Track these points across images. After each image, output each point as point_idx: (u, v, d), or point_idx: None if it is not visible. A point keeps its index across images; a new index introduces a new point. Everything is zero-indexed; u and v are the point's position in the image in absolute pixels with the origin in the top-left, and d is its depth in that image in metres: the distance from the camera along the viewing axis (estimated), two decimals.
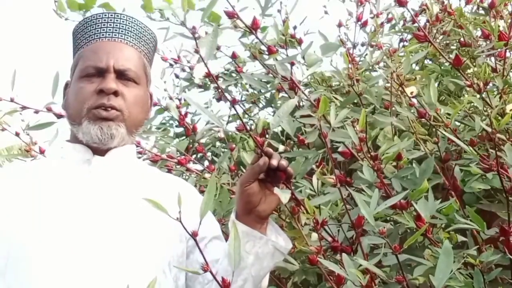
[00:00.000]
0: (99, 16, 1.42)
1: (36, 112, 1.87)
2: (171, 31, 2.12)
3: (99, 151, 1.34)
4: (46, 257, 1.21)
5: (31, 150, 1.98)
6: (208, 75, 1.19)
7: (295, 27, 2.06)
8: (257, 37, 1.55)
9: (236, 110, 1.24)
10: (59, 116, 1.81)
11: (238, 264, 1.03)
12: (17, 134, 1.98)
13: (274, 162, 1.24)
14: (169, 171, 1.84)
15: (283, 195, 1.23)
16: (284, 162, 1.25)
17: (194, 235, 1.05)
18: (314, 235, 1.43)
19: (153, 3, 2.32)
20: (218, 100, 2.45)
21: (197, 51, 1.17)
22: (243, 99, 2.50)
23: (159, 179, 1.42)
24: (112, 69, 1.34)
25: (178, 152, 1.92)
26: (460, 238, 1.42)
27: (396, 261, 1.28)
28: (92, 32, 1.40)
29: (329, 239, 1.43)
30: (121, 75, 1.34)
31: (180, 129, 2.59)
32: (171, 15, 2.30)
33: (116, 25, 1.40)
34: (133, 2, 2.30)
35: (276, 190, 1.24)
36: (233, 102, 1.23)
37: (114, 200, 1.30)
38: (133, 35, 1.41)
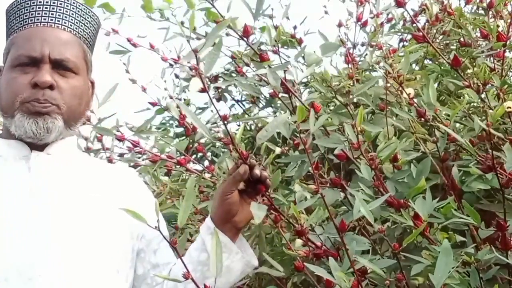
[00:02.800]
0: None
1: None
2: (171, 31, 2.13)
3: (36, 146, 1.25)
4: None
5: None
6: (203, 90, 1.17)
7: (295, 27, 2.06)
8: (249, 45, 1.55)
9: (226, 128, 1.23)
10: None
11: (220, 271, 1.00)
12: None
13: (258, 171, 1.23)
14: (169, 171, 1.84)
15: (257, 213, 1.21)
16: (265, 173, 1.24)
17: (173, 244, 1.03)
18: (298, 241, 1.43)
19: (153, 3, 2.32)
20: (218, 100, 2.45)
21: (196, 68, 1.14)
22: (243, 99, 2.50)
23: (104, 171, 1.35)
24: (47, 59, 1.23)
25: (178, 152, 1.92)
26: (459, 238, 1.42)
27: (385, 266, 1.28)
28: (26, 16, 1.28)
29: (316, 244, 1.42)
30: (57, 65, 1.24)
31: (180, 129, 2.60)
32: (171, 15, 2.30)
33: (53, 8, 1.28)
34: (133, 2, 2.30)
35: (252, 206, 1.22)
36: (224, 119, 1.22)
37: (59, 198, 1.22)
38: (71, 19, 1.29)
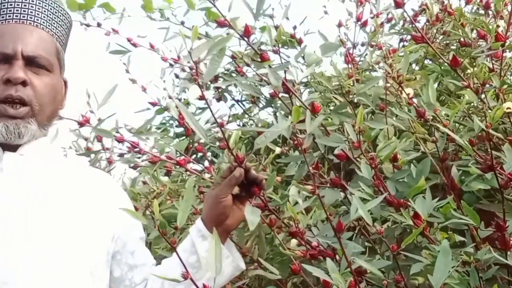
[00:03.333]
0: None
1: None
2: (171, 31, 2.13)
3: (9, 147, 1.23)
4: None
5: None
6: (202, 98, 1.17)
7: (295, 27, 2.06)
8: (249, 44, 1.54)
9: (223, 134, 1.23)
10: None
11: (219, 272, 0.99)
12: None
13: (254, 172, 1.23)
14: (169, 171, 1.84)
15: (251, 219, 1.21)
16: (261, 175, 1.24)
17: (172, 244, 1.03)
18: (293, 241, 1.43)
19: (153, 3, 2.32)
20: (218, 100, 2.45)
21: (196, 79, 1.15)
22: (243, 99, 2.50)
23: (79, 172, 1.33)
24: (20, 55, 1.21)
25: (177, 153, 1.92)
26: (458, 238, 1.42)
27: (383, 266, 1.28)
28: None
29: (311, 245, 1.42)
30: (30, 62, 1.22)
31: (180, 129, 2.59)
32: (171, 15, 2.31)
33: (25, 5, 1.25)
34: (133, 2, 2.30)
35: (246, 210, 1.22)
36: (221, 126, 1.23)
37: (33, 199, 1.20)
38: (44, 17, 1.27)
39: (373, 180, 1.40)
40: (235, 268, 1.30)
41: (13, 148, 1.24)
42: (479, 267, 1.28)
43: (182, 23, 2.33)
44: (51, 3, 1.30)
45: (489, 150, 1.36)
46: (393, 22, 2.21)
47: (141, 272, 1.31)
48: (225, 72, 2.38)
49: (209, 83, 2.38)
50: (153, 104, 2.29)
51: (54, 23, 1.29)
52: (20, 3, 1.26)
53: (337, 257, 1.36)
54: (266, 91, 2.26)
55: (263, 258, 1.63)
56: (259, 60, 1.53)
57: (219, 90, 2.43)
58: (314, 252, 1.39)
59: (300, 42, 2.02)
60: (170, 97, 2.32)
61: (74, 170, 1.34)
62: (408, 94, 1.51)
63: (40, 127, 1.24)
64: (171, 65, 2.31)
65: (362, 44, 2.23)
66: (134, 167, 1.89)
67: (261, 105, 2.49)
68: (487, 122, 1.33)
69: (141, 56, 2.27)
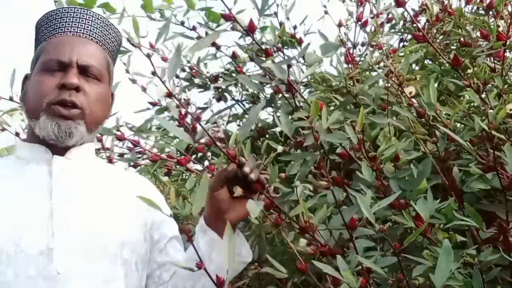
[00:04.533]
0: (65, 10, 1.37)
1: None
2: (171, 31, 2.12)
3: (58, 150, 1.31)
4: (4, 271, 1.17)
5: None
6: (169, 95, 1.20)
7: (295, 27, 2.05)
8: (254, 40, 1.55)
9: (203, 127, 1.25)
10: None
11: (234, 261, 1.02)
12: (17, 134, 1.97)
13: (247, 169, 1.21)
14: (169, 171, 1.84)
15: (253, 209, 1.19)
16: (254, 175, 1.21)
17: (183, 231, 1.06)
18: (302, 241, 1.43)
19: (153, 3, 2.32)
20: (218, 100, 2.45)
21: (153, 73, 1.19)
22: (243, 99, 2.49)
23: (121, 178, 1.40)
24: (75, 64, 1.30)
25: (178, 152, 1.92)
26: (460, 238, 1.42)
27: (388, 264, 1.28)
28: (56, 26, 1.36)
29: (321, 243, 1.42)
30: (84, 71, 1.31)
31: (180, 129, 2.58)
32: (172, 15, 2.30)
33: (82, 21, 1.37)
34: (133, 2, 2.30)
35: (248, 202, 1.21)
36: (197, 120, 1.26)
37: (80, 202, 1.27)
38: (98, 32, 1.37)
39: (374, 180, 1.40)
40: (238, 262, 1.31)
41: (61, 152, 1.31)
42: (481, 268, 1.28)
43: (182, 23, 2.33)
44: (105, 20, 1.40)
45: (490, 150, 1.36)
46: (393, 22, 2.21)
47: (170, 269, 1.35)
48: (225, 72, 2.38)
49: (209, 83, 2.38)
50: (153, 104, 2.28)
51: (106, 39, 1.39)
52: (77, 18, 1.36)
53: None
54: (266, 90, 2.26)
55: (264, 258, 1.63)
56: (263, 56, 1.54)
57: (219, 90, 2.43)
58: (325, 249, 1.39)
59: (300, 42, 2.02)
60: (169, 97, 2.32)
61: (114, 174, 1.41)
62: (410, 93, 1.51)
63: (88, 131, 1.31)
64: None
65: (362, 44, 2.23)
66: (135, 166, 1.89)
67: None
68: (489, 123, 1.33)
69: (141, 56, 2.26)
